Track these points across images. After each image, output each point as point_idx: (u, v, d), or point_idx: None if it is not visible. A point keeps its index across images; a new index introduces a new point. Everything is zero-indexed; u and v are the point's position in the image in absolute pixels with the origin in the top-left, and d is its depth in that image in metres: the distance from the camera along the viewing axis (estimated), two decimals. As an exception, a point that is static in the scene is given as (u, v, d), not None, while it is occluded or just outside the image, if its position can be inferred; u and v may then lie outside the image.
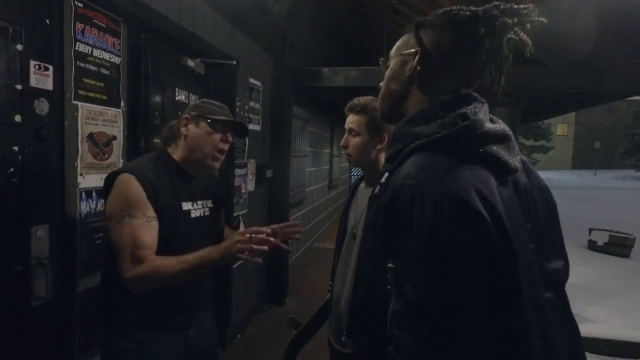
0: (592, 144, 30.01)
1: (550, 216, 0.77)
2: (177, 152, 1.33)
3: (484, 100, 0.75)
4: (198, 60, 2.52)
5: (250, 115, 3.23)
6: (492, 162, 0.68)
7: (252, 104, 3.24)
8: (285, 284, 3.97)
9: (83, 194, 1.64)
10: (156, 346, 1.26)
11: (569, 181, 20.24)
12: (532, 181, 0.77)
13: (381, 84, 0.88)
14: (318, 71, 3.82)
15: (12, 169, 1.36)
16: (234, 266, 3.04)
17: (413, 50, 0.78)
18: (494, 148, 0.68)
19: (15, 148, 1.37)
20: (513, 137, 0.74)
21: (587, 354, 0.78)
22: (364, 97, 1.42)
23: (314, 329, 1.60)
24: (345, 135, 1.43)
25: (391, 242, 0.67)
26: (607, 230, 5.95)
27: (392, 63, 0.84)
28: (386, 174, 0.78)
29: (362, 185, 1.49)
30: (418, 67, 0.77)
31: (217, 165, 1.33)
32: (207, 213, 1.36)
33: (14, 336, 1.38)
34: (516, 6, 0.72)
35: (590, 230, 6.09)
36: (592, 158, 29.68)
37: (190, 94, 2.53)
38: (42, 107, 1.46)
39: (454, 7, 0.75)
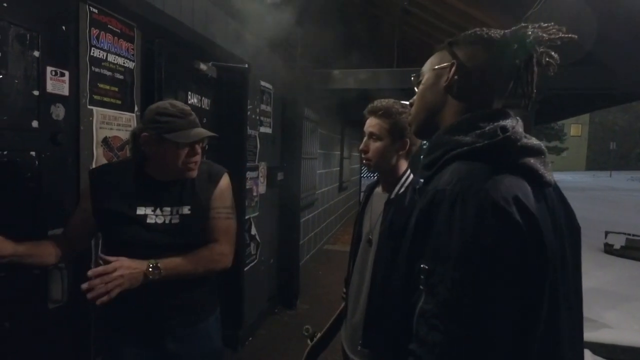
0: (607, 145, 29.43)
1: (572, 241, 0.78)
2: (151, 166, 1.28)
3: (518, 117, 0.79)
4: (210, 63, 2.53)
5: (262, 118, 3.24)
6: (528, 174, 0.71)
7: (263, 106, 3.25)
8: (296, 286, 3.97)
9: (98, 197, 1.65)
10: (123, 347, 1.26)
11: (583, 182, 19.89)
12: (561, 203, 0.79)
13: (412, 100, 0.92)
14: (329, 73, 3.82)
15: (29, 174, 1.38)
16: (245, 269, 3.05)
17: (448, 63, 0.82)
18: (532, 160, 0.72)
19: (33, 153, 1.39)
20: (547, 153, 0.77)
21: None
22: (386, 100, 1.37)
23: (330, 338, 1.59)
24: (364, 139, 1.38)
25: (427, 244, 0.69)
26: (624, 234, 5.81)
27: (425, 78, 0.88)
28: (421, 180, 0.82)
29: (378, 190, 1.46)
30: (455, 77, 0.81)
31: (193, 174, 1.28)
32: (175, 221, 1.26)
33: (32, 339, 1.39)
34: (545, 24, 0.77)
35: (607, 233, 5.96)
36: (607, 159, 29.14)
37: (203, 98, 2.55)
38: (59, 112, 1.48)
39: (484, 28, 0.80)
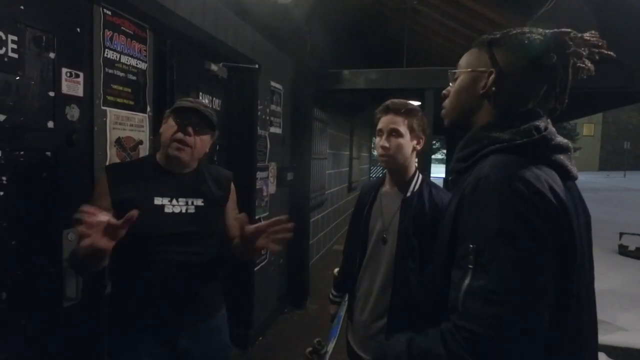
0: (621, 145, 28.88)
1: (588, 236, 0.83)
2: (159, 153, 1.35)
3: (547, 117, 0.85)
4: (221, 64, 2.55)
5: (272, 119, 3.25)
6: (559, 168, 0.79)
7: (273, 107, 3.26)
8: (306, 286, 3.97)
9: (111, 197, 1.67)
10: (135, 345, 1.26)
11: (597, 183, 19.55)
12: (579, 198, 0.84)
13: (446, 90, 0.96)
14: (339, 73, 3.82)
15: (45, 173, 1.40)
16: (255, 269, 3.06)
17: (486, 69, 0.86)
18: (561, 157, 0.80)
19: (48, 153, 1.41)
20: (572, 150, 0.84)
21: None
22: (400, 99, 1.42)
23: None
24: (384, 136, 1.40)
25: (473, 227, 0.74)
26: (639, 235, 5.71)
27: (462, 78, 0.92)
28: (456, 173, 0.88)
29: (386, 189, 1.46)
30: (493, 87, 0.85)
31: (182, 155, 1.28)
32: (191, 211, 1.32)
33: (47, 336, 1.42)
34: (587, 36, 0.81)
35: (621, 234, 5.86)
36: (621, 159, 28.61)
37: (214, 98, 2.57)
38: (73, 113, 1.50)
39: (526, 30, 0.83)
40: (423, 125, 1.42)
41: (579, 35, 0.81)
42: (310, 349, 1.71)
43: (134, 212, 1.00)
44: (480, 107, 0.88)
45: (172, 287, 1.27)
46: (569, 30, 0.81)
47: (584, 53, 0.81)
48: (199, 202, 1.34)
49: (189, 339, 1.31)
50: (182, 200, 1.31)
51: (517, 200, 0.70)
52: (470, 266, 0.71)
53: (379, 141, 1.40)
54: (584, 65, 0.81)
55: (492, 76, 0.84)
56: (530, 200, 0.69)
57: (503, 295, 0.67)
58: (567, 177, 0.80)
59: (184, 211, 1.31)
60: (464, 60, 0.92)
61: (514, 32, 0.84)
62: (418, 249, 1.30)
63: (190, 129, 1.28)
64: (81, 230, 0.95)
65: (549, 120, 0.84)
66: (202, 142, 1.33)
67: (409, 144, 1.39)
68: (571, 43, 0.80)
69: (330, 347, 1.69)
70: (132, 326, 1.28)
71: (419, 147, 1.42)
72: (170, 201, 1.29)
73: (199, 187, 1.36)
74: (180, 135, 1.27)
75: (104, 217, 0.98)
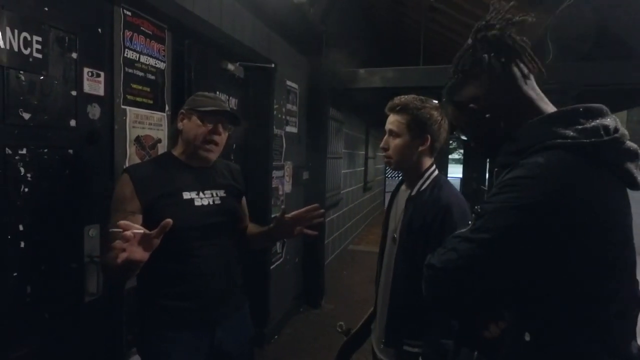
0: (646, 144, 28.00)
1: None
2: (178, 149, 1.36)
3: (614, 116, 0.78)
4: (237, 64, 2.57)
5: (287, 118, 3.26)
6: (625, 176, 0.74)
7: (289, 106, 3.27)
8: (322, 286, 3.97)
9: (131, 195, 1.70)
10: (174, 344, 1.25)
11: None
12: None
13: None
14: (354, 72, 3.80)
15: (67, 171, 1.44)
16: (271, 267, 3.07)
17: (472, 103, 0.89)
18: (629, 164, 0.74)
19: (70, 151, 1.45)
20: None
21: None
22: (406, 96, 1.35)
23: (363, 337, 1.57)
24: (385, 137, 1.36)
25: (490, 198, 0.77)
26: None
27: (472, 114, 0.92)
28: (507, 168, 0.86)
29: (403, 187, 1.44)
30: (486, 114, 0.87)
31: (211, 155, 1.33)
32: (217, 202, 1.35)
33: (69, 329, 1.45)
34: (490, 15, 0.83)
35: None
36: (647, 159, 27.69)
37: (230, 97, 2.59)
38: (95, 112, 1.54)
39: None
40: (426, 121, 1.29)
41: (482, 22, 0.83)
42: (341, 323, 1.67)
43: (168, 221, 1.01)
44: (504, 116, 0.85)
45: (211, 280, 1.29)
46: (476, 27, 0.83)
47: (502, 28, 0.81)
48: (222, 193, 1.38)
49: (224, 330, 1.33)
50: (207, 193, 1.34)
51: (526, 179, 0.71)
52: (469, 223, 0.77)
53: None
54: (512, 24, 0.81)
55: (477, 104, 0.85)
56: (540, 184, 0.70)
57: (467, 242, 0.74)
58: (632, 185, 0.75)
59: (211, 203, 1.34)
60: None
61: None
62: (411, 250, 1.25)
63: (220, 129, 1.32)
64: (117, 246, 0.95)
65: (617, 120, 0.77)
66: (226, 138, 1.38)
67: (409, 143, 1.30)
68: (485, 34, 0.81)
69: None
70: (170, 324, 1.26)
71: (423, 147, 1.31)
72: (198, 194, 1.32)
73: (218, 179, 1.40)
74: (213, 136, 1.31)
75: (139, 229, 0.98)
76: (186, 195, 1.29)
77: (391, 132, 1.33)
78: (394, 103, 1.34)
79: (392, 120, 1.33)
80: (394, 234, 1.35)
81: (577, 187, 0.69)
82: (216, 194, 1.36)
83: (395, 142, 1.32)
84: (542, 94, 0.84)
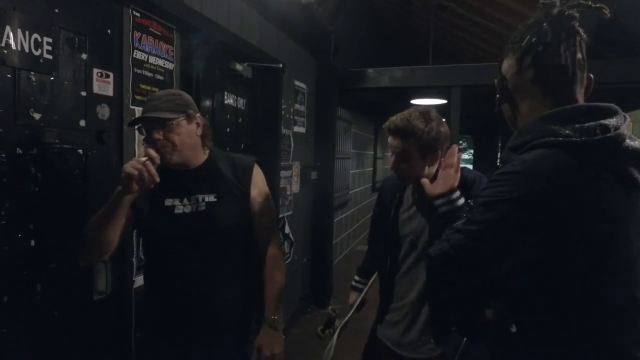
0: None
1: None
2: None
3: (627, 116, 0.76)
4: (246, 64, 2.58)
5: (296, 118, 3.26)
6: (624, 177, 0.72)
7: (297, 106, 3.27)
8: (329, 286, 3.96)
9: (139, 194, 1.71)
10: (154, 353, 1.26)
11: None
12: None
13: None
14: (363, 72, 3.79)
15: (77, 171, 1.45)
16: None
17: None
18: (630, 168, 0.72)
19: (80, 151, 1.46)
20: None
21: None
22: (406, 113, 1.25)
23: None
24: (393, 159, 1.27)
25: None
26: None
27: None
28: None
29: (410, 190, 1.41)
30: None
31: (170, 158, 1.20)
32: (202, 208, 1.26)
33: (78, 327, 1.46)
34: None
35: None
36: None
37: (238, 98, 2.59)
38: (104, 112, 1.55)
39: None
40: (435, 142, 1.22)
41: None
42: (321, 327, 1.73)
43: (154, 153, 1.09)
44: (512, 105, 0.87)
45: (189, 292, 1.23)
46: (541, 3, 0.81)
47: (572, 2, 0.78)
48: (211, 197, 1.27)
49: (201, 353, 1.25)
50: (193, 199, 1.26)
51: (510, 175, 0.73)
52: (464, 215, 0.81)
53: (389, 161, 1.31)
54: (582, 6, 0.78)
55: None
56: (515, 179, 0.72)
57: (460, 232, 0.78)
58: (632, 186, 0.72)
59: (194, 210, 1.26)
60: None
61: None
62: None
63: (155, 135, 1.19)
64: (150, 153, 1.09)
65: (626, 118, 0.74)
66: (180, 134, 1.21)
67: (421, 163, 1.24)
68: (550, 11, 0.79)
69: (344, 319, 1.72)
70: (154, 329, 1.28)
71: (435, 163, 1.25)
72: (181, 201, 1.26)
73: (209, 181, 1.29)
74: (149, 150, 1.13)
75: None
76: (168, 202, 1.25)
77: (398, 156, 1.25)
78: (397, 126, 1.23)
79: (397, 144, 1.24)
80: (412, 237, 1.33)
81: (563, 185, 0.69)
82: (202, 200, 1.26)
83: (404, 166, 1.25)
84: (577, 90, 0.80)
